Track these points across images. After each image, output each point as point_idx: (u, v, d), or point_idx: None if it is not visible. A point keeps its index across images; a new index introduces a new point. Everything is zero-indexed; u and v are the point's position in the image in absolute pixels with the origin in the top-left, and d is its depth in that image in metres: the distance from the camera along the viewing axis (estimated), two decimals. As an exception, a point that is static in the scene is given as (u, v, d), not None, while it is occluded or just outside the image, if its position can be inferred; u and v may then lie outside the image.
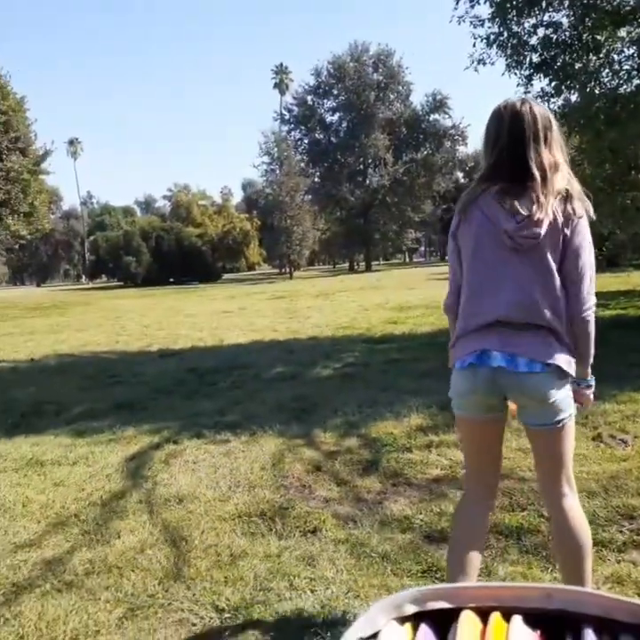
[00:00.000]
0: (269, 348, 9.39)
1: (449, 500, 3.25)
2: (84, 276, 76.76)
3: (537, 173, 1.93)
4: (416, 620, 0.65)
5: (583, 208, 1.95)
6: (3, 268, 78.89)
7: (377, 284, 26.85)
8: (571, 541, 2.04)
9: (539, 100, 10.06)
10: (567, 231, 1.92)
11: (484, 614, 0.63)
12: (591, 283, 1.96)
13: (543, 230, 1.90)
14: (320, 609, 2.37)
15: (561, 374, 1.97)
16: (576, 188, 1.98)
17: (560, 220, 1.91)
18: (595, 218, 1.99)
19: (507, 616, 0.63)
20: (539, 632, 0.64)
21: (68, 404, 6.16)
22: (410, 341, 8.91)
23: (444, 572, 2.56)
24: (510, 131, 1.99)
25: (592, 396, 2.15)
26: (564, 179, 1.97)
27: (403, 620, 0.65)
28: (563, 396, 1.99)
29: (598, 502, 3.11)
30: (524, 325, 1.96)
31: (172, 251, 48.81)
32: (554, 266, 1.94)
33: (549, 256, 1.93)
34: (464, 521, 2.19)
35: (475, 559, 2.10)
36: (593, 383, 2.12)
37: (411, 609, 0.66)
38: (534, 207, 1.91)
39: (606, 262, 22.93)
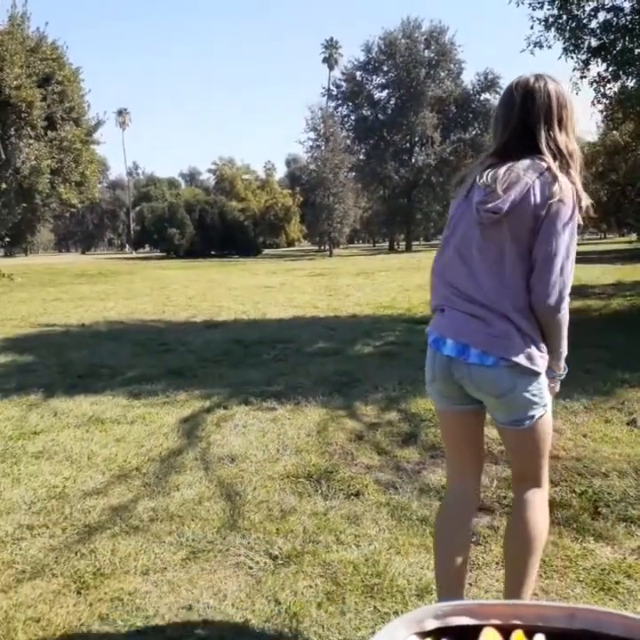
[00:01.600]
0: (311, 324, 9.59)
1: (484, 474, 3.43)
2: (127, 246, 78.04)
3: (549, 155, 1.76)
4: (437, 635, 0.65)
5: (568, 193, 1.73)
6: (49, 235, 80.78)
7: (417, 264, 26.79)
8: (523, 532, 1.93)
9: (595, 84, 9.95)
10: (542, 213, 1.73)
11: (505, 632, 0.63)
12: (562, 273, 1.75)
13: (506, 205, 1.74)
14: (364, 561, 2.61)
15: (522, 370, 1.79)
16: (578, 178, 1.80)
17: (535, 199, 1.73)
18: (585, 207, 1.80)
19: (529, 634, 0.63)
20: None
21: (122, 368, 6.48)
22: (450, 323, 8.97)
23: (482, 538, 2.78)
24: (521, 110, 1.80)
25: (557, 388, 2.00)
26: (579, 171, 1.81)
27: (424, 635, 0.65)
28: (526, 393, 1.82)
29: (629, 482, 3.27)
30: (481, 313, 1.81)
31: (216, 224, 49.40)
32: (523, 250, 1.77)
33: (518, 238, 1.76)
34: (444, 524, 2.06)
35: (459, 564, 1.99)
36: (563, 377, 1.97)
37: (432, 624, 0.65)
38: (507, 180, 1.74)
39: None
